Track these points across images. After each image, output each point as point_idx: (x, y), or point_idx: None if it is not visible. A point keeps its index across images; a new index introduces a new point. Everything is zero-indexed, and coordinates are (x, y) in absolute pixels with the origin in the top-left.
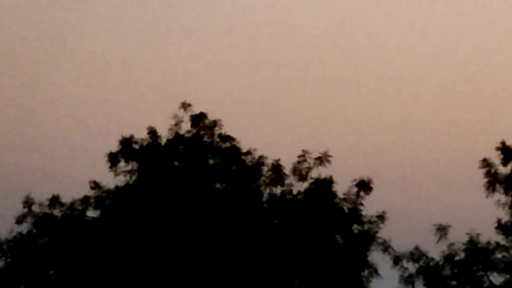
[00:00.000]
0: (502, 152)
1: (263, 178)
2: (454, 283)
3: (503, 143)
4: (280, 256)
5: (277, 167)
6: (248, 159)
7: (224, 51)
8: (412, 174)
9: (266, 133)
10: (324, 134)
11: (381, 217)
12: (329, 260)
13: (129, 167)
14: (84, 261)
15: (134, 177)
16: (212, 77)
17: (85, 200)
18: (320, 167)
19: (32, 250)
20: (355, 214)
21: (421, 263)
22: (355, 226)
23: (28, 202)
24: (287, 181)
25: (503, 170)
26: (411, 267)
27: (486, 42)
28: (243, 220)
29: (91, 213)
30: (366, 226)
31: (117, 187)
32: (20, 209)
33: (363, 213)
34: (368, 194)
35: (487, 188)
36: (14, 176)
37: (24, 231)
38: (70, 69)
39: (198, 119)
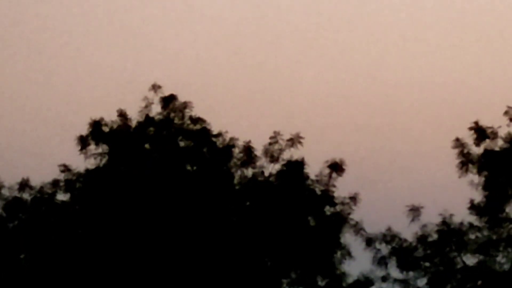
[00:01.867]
0: (475, 132)
1: (234, 160)
2: (427, 264)
3: (476, 123)
4: (252, 238)
5: (248, 149)
6: (219, 141)
7: (194, 32)
8: (384, 155)
9: (237, 115)
10: (295, 116)
11: (353, 199)
12: (301, 242)
13: (99, 150)
14: (55, 244)
15: (104, 160)
16: (182, 59)
17: (55, 183)
18: (292, 149)
19: (1, 234)
20: (327, 196)
21: (393, 244)
22: (327, 208)
23: None
24: (258, 163)
25: (476, 150)
26: (384, 249)
27: (459, 22)
28: (214, 203)
29: (61, 196)
30: (338, 208)
31: (87, 170)
32: None
33: (336, 194)
34: (340, 175)
35: (460, 169)
36: None
37: None
38: (41, 50)
39: (168, 101)
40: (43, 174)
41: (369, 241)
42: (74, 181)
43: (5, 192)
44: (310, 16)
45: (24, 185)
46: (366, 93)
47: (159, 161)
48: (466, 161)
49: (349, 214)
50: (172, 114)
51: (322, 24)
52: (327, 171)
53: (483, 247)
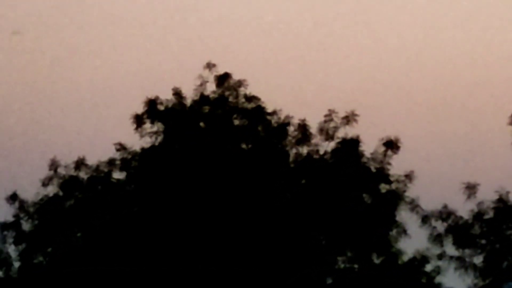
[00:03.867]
0: None
1: (289, 138)
2: (483, 241)
3: None
4: (307, 216)
5: (303, 127)
6: (274, 119)
7: (248, 10)
8: (440, 132)
9: (291, 93)
10: (350, 93)
11: (408, 176)
12: (357, 220)
13: (154, 129)
14: (111, 223)
15: (159, 139)
16: (237, 37)
17: (111, 162)
18: (347, 127)
19: (58, 213)
20: (383, 173)
21: (449, 222)
22: (382, 185)
23: (54, 165)
24: (313, 141)
25: None
26: (440, 226)
27: None
28: (270, 181)
29: (117, 175)
30: (393, 186)
31: (142, 148)
32: (46, 172)
33: (391, 172)
34: (395, 153)
35: None
36: (40, 138)
37: (50, 194)
38: (94, 31)
39: (223, 79)
40: (99, 153)
41: (425, 219)
42: (129, 160)
43: (62, 171)
44: None
45: (80, 164)
46: (421, 70)
47: (214, 139)
48: None
49: (404, 191)
50: (226, 93)
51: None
52: (382, 149)
53: None
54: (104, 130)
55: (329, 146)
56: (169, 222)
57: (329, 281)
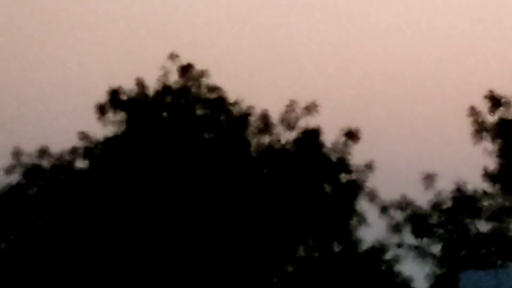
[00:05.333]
0: (490, 101)
1: (251, 128)
2: (441, 231)
3: (491, 91)
4: (268, 205)
5: (265, 117)
6: (236, 109)
7: (210, 1)
8: (399, 122)
9: (253, 83)
10: (311, 84)
11: (368, 166)
12: (317, 209)
13: (117, 118)
14: (73, 211)
15: (122, 128)
16: (199, 28)
17: (74, 151)
18: (308, 117)
19: (21, 201)
20: (343, 163)
21: (408, 211)
22: (343, 175)
23: (17, 153)
24: (275, 131)
25: (490, 118)
26: (399, 216)
27: None
28: (231, 170)
29: (79, 163)
30: (353, 175)
31: (105, 137)
32: (9, 160)
33: (351, 162)
34: (356, 143)
35: (474, 136)
36: (3, 127)
37: (13, 182)
38: (57, 20)
39: (185, 70)
40: (62, 142)
41: (384, 208)
42: (92, 149)
43: (25, 159)
44: None
45: (43, 152)
46: (382, 61)
47: (177, 129)
48: (480, 129)
49: (364, 181)
50: (189, 83)
51: None
52: (342, 139)
53: (496, 214)
54: (67, 119)
55: (290, 136)
56: (131, 211)
57: (290, 269)
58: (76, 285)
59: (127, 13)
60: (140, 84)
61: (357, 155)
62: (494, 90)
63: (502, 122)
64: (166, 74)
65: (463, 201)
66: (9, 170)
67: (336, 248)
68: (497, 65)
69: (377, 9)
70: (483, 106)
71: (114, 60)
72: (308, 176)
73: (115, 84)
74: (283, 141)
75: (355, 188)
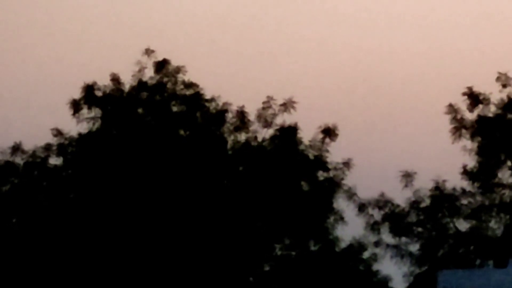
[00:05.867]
0: (469, 98)
1: (227, 125)
2: (419, 229)
3: (469, 88)
4: (245, 203)
5: (241, 114)
6: (212, 106)
7: None
8: (378, 120)
9: (230, 80)
10: (289, 80)
11: (346, 164)
12: (294, 207)
13: (92, 114)
14: (47, 208)
15: (97, 124)
16: (175, 24)
17: (48, 147)
18: (285, 114)
19: None
20: (320, 161)
21: (386, 210)
22: (320, 173)
23: None
24: (251, 128)
25: (469, 115)
26: (377, 214)
27: None
28: (207, 167)
29: (53, 160)
30: (331, 173)
31: (80, 134)
32: None
33: (329, 160)
34: (333, 141)
35: (453, 134)
36: None
37: None
38: (32, 16)
39: (161, 65)
40: (35, 139)
41: (362, 207)
42: (66, 145)
43: None
44: None
45: (16, 149)
46: (360, 58)
47: (152, 125)
48: (459, 126)
49: (342, 179)
50: (165, 79)
51: None
52: (320, 136)
53: (475, 213)
54: (40, 115)
55: (267, 133)
56: (106, 208)
57: (267, 268)
58: (50, 280)
59: (103, 8)
60: (115, 80)
61: (335, 153)
62: (473, 88)
63: (481, 119)
64: (141, 70)
65: (442, 200)
66: None
67: (313, 246)
68: (476, 62)
69: (356, 6)
70: (462, 104)
71: (89, 55)
72: (285, 173)
73: (90, 80)
74: (260, 138)
75: (333, 186)
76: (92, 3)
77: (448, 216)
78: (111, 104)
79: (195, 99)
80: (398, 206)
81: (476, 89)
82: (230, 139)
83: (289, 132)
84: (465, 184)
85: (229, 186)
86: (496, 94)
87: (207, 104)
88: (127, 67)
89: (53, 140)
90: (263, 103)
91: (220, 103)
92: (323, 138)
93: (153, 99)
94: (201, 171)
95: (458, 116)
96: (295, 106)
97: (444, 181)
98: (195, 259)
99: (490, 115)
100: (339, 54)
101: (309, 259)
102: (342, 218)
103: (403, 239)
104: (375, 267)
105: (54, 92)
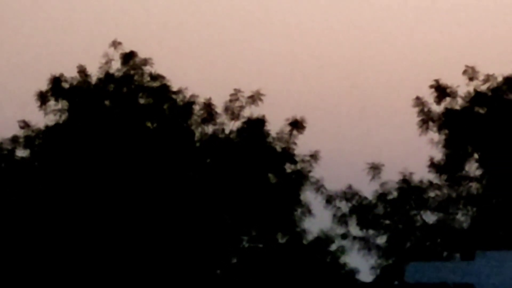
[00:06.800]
0: (436, 91)
1: (195, 117)
2: (387, 222)
3: (437, 81)
4: (212, 195)
5: (208, 106)
6: (179, 98)
7: None
8: (345, 113)
9: (197, 72)
10: (256, 73)
11: (314, 156)
12: (261, 200)
13: (59, 106)
14: (13, 201)
15: (64, 117)
16: (142, 15)
17: (15, 139)
18: (252, 106)
19: None
20: (288, 153)
21: (354, 202)
22: (287, 165)
23: None
24: (219, 120)
25: (436, 108)
26: (344, 207)
27: None
28: (175, 160)
29: (20, 152)
30: (298, 166)
31: (47, 126)
32: None
33: (296, 152)
34: (301, 133)
35: (420, 127)
36: None
37: None
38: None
39: (128, 58)
40: (2, 131)
41: (329, 199)
42: (33, 138)
43: None
44: None
45: None
46: (326, 50)
47: (119, 117)
48: (426, 119)
49: (309, 171)
50: (132, 71)
51: None
52: (287, 128)
53: (442, 205)
54: (7, 107)
55: (235, 125)
56: (73, 200)
57: (234, 260)
58: (17, 273)
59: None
60: (83, 72)
61: (302, 145)
62: (440, 81)
63: (448, 112)
64: (108, 62)
65: (409, 192)
66: None
67: (281, 239)
68: (443, 56)
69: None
70: (429, 97)
71: (55, 47)
72: (253, 166)
73: (57, 72)
74: (227, 131)
75: (300, 178)
76: None
77: (415, 209)
78: (78, 96)
79: (162, 91)
80: (365, 198)
81: (443, 82)
82: (198, 131)
83: (257, 125)
84: (432, 176)
85: (196, 178)
86: (463, 87)
87: (174, 96)
88: (94, 59)
89: (20, 132)
90: (231, 95)
91: (187, 95)
92: (291, 131)
93: (120, 91)
94: (168, 163)
95: (425, 109)
96: (263, 98)
97: (411, 173)
98: (162, 252)
99: (457, 108)
100: (307, 46)
101: (276, 252)
102: (309, 211)
103: (371, 231)
104: (343, 259)
105: (21, 84)
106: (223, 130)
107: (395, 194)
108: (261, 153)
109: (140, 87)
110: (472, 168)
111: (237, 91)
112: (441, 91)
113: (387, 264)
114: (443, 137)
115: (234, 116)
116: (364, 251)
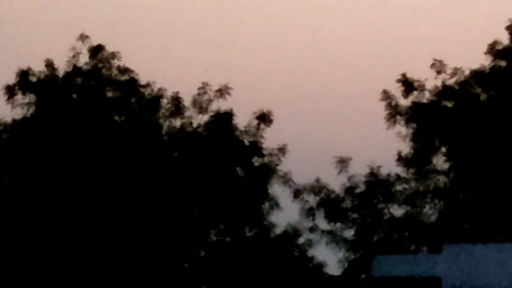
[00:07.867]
0: (403, 85)
1: (163, 110)
2: (354, 215)
3: (403, 75)
4: (180, 189)
5: (176, 100)
6: (147, 91)
7: None
8: (312, 106)
9: (165, 65)
10: (224, 66)
11: (281, 150)
12: (229, 193)
13: (26, 100)
14: None
15: (31, 110)
16: (110, 8)
17: None
18: (220, 100)
19: None
20: (256, 146)
21: (321, 195)
22: (255, 158)
23: None
24: (187, 114)
25: (404, 102)
26: (312, 200)
27: None
28: (142, 153)
29: None
30: (266, 159)
31: (14, 120)
32: None
33: (264, 145)
34: (268, 126)
35: (388, 120)
36: None
37: None
38: None
39: (96, 51)
40: None
41: (297, 192)
42: (1, 131)
43: None
44: None
45: None
46: (294, 43)
47: (87, 111)
48: (394, 113)
49: (277, 165)
50: (99, 65)
51: None
52: (255, 122)
53: (410, 199)
54: None
55: (202, 119)
56: (40, 195)
57: (202, 253)
58: None
59: None
60: (50, 65)
61: (270, 139)
62: (407, 74)
63: (416, 106)
64: (76, 56)
65: (377, 186)
66: None
67: (248, 232)
68: (410, 49)
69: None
70: (397, 90)
71: (23, 41)
72: (220, 159)
73: (24, 65)
74: (195, 124)
75: (268, 171)
76: None
77: (383, 202)
78: (45, 90)
79: (130, 85)
80: (333, 192)
81: (411, 75)
82: (165, 125)
83: (224, 118)
84: (400, 170)
85: (164, 171)
86: (430, 81)
87: (142, 90)
88: (61, 52)
89: None
90: (199, 89)
91: (155, 89)
92: (258, 124)
93: (87, 84)
94: (136, 157)
95: (393, 103)
96: (230, 92)
97: (379, 167)
98: (128, 245)
99: (425, 101)
100: (274, 39)
101: (244, 245)
102: (277, 204)
103: (338, 224)
104: (310, 253)
105: None
106: (191, 123)
107: (362, 187)
108: (229, 146)
109: (108, 80)
110: (440, 161)
111: (205, 84)
112: (408, 85)
113: (355, 258)
114: (410, 130)
115: (202, 109)
116: (332, 244)
